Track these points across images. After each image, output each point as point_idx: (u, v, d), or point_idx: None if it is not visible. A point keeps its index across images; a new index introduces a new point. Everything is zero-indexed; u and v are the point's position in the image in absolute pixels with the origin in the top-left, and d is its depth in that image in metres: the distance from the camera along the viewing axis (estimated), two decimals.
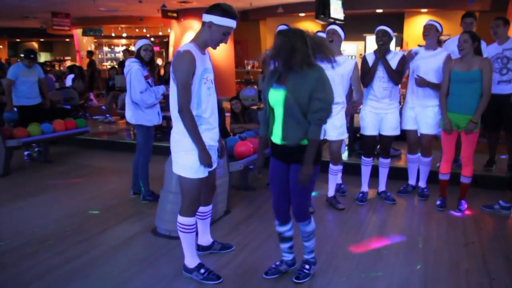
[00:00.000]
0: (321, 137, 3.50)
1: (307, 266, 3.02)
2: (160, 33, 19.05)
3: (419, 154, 4.57)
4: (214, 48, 2.76)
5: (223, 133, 5.48)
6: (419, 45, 4.66)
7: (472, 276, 3.07)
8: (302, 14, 13.61)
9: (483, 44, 4.53)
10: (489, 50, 4.85)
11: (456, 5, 10.96)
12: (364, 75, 4.33)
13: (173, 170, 2.86)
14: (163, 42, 19.68)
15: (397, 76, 4.26)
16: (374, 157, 4.64)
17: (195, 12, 13.44)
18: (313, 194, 4.48)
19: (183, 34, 13.78)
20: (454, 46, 4.68)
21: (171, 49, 14.84)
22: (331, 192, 4.46)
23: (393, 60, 4.28)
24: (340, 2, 10.84)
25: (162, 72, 10.45)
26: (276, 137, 2.73)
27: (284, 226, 2.93)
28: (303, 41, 2.54)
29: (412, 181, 4.78)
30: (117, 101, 8.73)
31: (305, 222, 2.85)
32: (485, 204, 4.34)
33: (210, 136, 2.83)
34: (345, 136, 4.28)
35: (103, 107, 10.63)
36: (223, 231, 3.82)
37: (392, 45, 13.57)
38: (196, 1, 12.27)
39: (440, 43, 4.70)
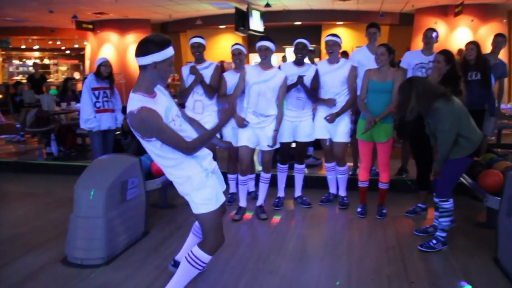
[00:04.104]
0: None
1: (434, 241, 3.59)
2: (76, 46, 18.16)
3: (335, 162, 4.64)
4: (165, 84, 2.56)
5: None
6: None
7: (393, 281, 3.12)
8: (222, 26, 13.65)
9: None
10: (412, 56, 4.92)
11: (368, 19, 11.55)
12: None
13: (194, 211, 2.59)
14: (80, 55, 18.74)
15: (315, 95, 4.44)
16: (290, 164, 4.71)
17: (112, 24, 12.96)
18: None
19: (100, 47, 13.21)
20: (361, 56, 4.84)
21: (87, 62, 14.13)
22: (260, 201, 4.45)
23: (308, 72, 4.41)
24: (259, 14, 10.97)
25: (78, 87, 9.89)
26: None
27: (436, 198, 3.62)
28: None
29: (332, 190, 4.84)
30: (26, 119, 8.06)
31: (442, 199, 3.51)
32: (404, 208, 4.50)
33: (208, 161, 2.63)
34: (277, 147, 4.33)
35: (18, 125, 9.79)
36: (140, 254, 3.58)
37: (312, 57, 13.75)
38: (112, 12, 11.82)
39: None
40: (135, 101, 2.33)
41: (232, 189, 4.84)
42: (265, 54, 4.12)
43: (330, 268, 3.34)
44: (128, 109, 2.34)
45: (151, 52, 2.31)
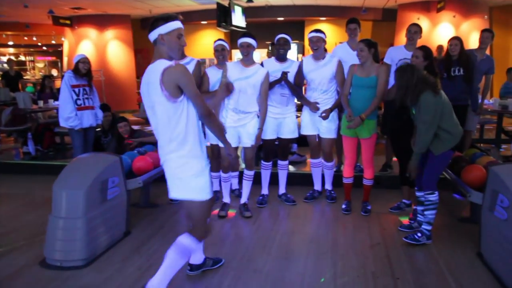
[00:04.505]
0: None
1: (419, 234, 3.62)
2: (53, 42, 17.76)
3: (321, 158, 4.62)
4: (179, 58, 2.60)
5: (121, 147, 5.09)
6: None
7: (378, 277, 3.11)
8: (204, 22, 13.53)
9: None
10: (395, 51, 4.89)
11: (351, 14, 11.55)
12: None
13: (180, 196, 2.62)
14: (57, 52, 18.33)
15: (299, 91, 4.44)
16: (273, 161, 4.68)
17: (90, 19, 12.69)
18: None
19: (78, 43, 12.93)
20: (341, 52, 4.79)
21: (65, 59, 13.83)
22: (243, 199, 4.41)
23: (291, 68, 4.39)
24: (241, 10, 10.86)
25: (57, 84, 9.64)
26: None
27: (420, 192, 3.68)
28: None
29: (317, 187, 4.81)
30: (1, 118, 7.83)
31: (428, 192, 3.54)
32: (389, 204, 4.49)
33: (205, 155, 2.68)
34: (259, 143, 4.29)
35: None
36: (122, 254, 3.50)
37: (294, 52, 13.88)
38: (91, 7, 11.58)
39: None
40: (162, 63, 2.43)
41: (215, 187, 4.78)
42: (247, 51, 4.06)
43: (315, 266, 3.31)
44: (161, 68, 2.39)
45: (156, 26, 2.47)
